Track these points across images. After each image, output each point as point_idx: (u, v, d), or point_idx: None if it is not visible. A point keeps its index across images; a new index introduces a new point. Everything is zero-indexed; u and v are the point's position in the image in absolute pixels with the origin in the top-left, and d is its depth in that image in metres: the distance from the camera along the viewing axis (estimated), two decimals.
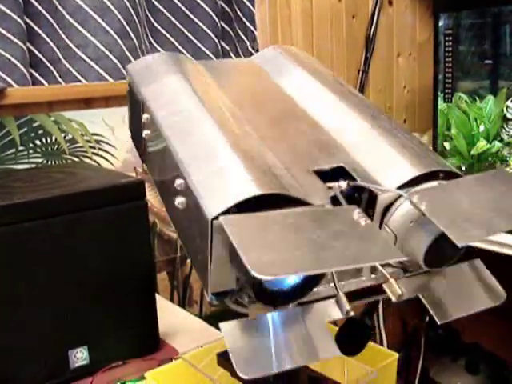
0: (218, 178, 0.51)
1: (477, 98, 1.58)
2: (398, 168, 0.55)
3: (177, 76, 0.67)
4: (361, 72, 1.87)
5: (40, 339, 0.85)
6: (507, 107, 1.51)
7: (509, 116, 1.51)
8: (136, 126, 0.69)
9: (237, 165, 0.51)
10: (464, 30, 1.63)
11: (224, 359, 0.62)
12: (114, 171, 1.17)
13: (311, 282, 0.49)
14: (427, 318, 2.15)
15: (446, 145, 1.63)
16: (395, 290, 0.50)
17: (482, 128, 1.57)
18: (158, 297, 0.98)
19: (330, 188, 0.52)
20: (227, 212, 0.46)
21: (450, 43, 1.59)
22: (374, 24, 1.89)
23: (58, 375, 0.87)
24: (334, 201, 0.51)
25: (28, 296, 0.83)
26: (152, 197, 1.40)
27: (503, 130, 1.52)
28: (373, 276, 0.54)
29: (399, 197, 0.52)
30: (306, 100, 0.66)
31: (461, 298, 0.56)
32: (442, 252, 0.52)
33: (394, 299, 0.50)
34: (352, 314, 0.50)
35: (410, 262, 0.53)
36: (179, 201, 0.53)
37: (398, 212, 0.52)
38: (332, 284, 0.51)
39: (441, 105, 1.63)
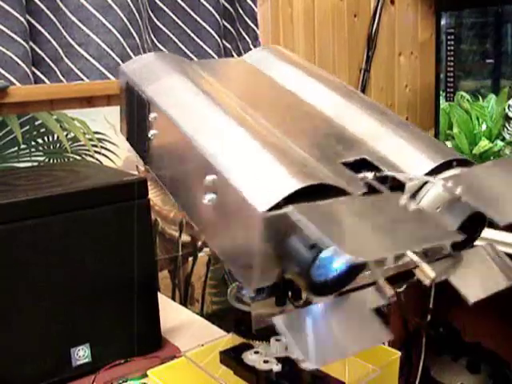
0: (258, 172, 0.50)
1: (479, 97, 1.58)
2: (418, 158, 0.56)
3: (180, 75, 0.67)
4: (362, 71, 1.87)
5: (41, 337, 0.85)
6: (509, 106, 1.51)
7: (511, 115, 1.51)
8: (136, 128, 0.68)
9: (273, 159, 0.51)
10: (466, 29, 1.63)
11: (227, 357, 0.63)
12: (116, 169, 1.17)
13: (355, 271, 0.49)
14: (428, 317, 2.16)
15: (448, 144, 1.63)
16: (429, 273, 0.50)
17: (483, 127, 1.57)
18: (159, 295, 0.98)
19: (361, 179, 0.53)
20: (276, 206, 0.45)
21: (452, 42, 1.60)
22: (375, 23, 1.89)
23: (60, 373, 0.87)
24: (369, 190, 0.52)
25: (30, 294, 0.83)
26: (154, 195, 1.40)
27: (505, 129, 1.52)
28: (400, 263, 0.55)
29: (424, 184, 0.53)
30: (310, 95, 0.66)
31: (482, 278, 0.57)
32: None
33: (427, 282, 0.51)
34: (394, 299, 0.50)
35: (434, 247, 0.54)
36: (209, 197, 0.52)
37: (426, 198, 0.53)
38: (367, 273, 0.51)
39: (443, 104, 1.63)
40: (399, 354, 0.69)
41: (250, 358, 0.61)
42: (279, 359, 0.61)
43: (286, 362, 0.60)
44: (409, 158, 0.56)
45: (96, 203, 0.87)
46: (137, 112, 0.68)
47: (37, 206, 0.83)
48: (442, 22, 1.62)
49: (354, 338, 0.48)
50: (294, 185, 0.47)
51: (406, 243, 0.43)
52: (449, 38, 1.59)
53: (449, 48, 1.60)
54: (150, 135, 0.64)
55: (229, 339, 0.69)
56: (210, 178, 0.52)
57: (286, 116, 0.63)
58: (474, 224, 0.54)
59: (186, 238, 1.50)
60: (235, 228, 0.50)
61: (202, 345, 0.70)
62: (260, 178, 0.50)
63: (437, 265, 0.55)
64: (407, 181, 0.53)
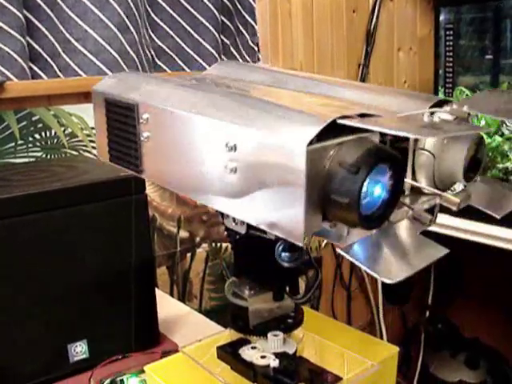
0: (284, 121, 0.50)
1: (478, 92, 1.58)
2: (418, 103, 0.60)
3: (158, 80, 0.67)
4: (361, 66, 1.87)
5: (39, 333, 0.84)
6: None
7: None
8: (122, 141, 0.67)
9: (288, 108, 0.53)
10: (465, 24, 1.62)
11: (224, 352, 0.62)
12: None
13: (395, 198, 0.50)
14: (427, 313, 2.16)
15: None
16: (453, 200, 0.55)
17: (482, 122, 1.56)
18: (157, 291, 0.98)
19: None
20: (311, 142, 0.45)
21: (451, 37, 1.59)
22: (374, 18, 1.88)
23: (58, 369, 0.87)
24: None
25: (27, 289, 0.82)
26: (152, 191, 1.39)
27: (504, 125, 1.52)
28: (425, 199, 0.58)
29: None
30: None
31: (499, 199, 0.62)
32: (474, 162, 0.57)
33: (454, 208, 0.56)
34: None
35: (446, 180, 0.57)
36: (232, 166, 0.51)
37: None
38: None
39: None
40: (397, 349, 0.68)
41: (247, 353, 0.61)
42: (276, 354, 0.60)
43: (284, 357, 0.60)
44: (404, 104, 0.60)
45: (94, 198, 0.87)
46: (122, 124, 0.66)
47: (35, 201, 0.83)
48: (441, 18, 1.62)
49: (416, 256, 0.54)
50: (325, 119, 0.47)
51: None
52: (448, 33, 1.59)
53: (448, 43, 1.60)
54: (143, 138, 0.63)
55: (226, 334, 0.69)
56: (232, 141, 0.51)
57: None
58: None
59: (184, 233, 1.49)
60: (275, 179, 0.48)
61: (200, 340, 0.69)
62: (285, 123, 0.49)
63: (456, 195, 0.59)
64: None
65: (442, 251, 0.56)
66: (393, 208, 0.50)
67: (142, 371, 0.85)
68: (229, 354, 0.62)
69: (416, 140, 0.57)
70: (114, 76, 0.73)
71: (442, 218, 1.58)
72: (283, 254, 0.59)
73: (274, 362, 0.59)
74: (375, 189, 0.48)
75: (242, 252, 0.64)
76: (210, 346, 0.68)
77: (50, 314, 0.85)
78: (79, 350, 0.88)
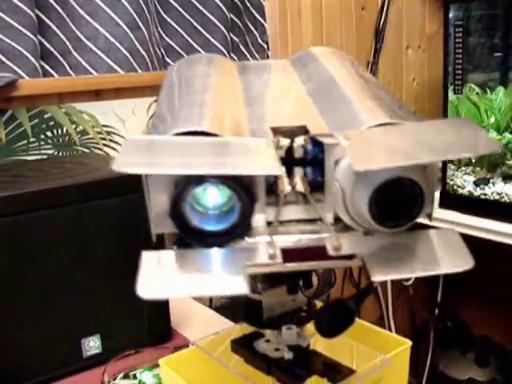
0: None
1: (487, 90, 1.58)
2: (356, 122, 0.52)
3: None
4: (370, 64, 1.87)
5: (53, 328, 0.85)
6: None
7: None
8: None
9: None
10: (474, 21, 1.62)
11: (239, 346, 0.63)
12: None
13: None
14: (436, 311, 2.16)
15: None
16: (333, 243, 0.48)
17: (492, 119, 1.56)
18: None
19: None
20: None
21: (460, 34, 1.59)
22: (383, 16, 1.88)
23: (72, 363, 0.88)
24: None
25: (41, 285, 0.83)
26: None
27: None
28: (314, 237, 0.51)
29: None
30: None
31: (419, 259, 0.51)
32: (393, 208, 0.48)
33: (331, 252, 0.48)
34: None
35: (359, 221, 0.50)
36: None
37: (343, 162, 0.48)
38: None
39: (451, 96, 1.63)
40: (410, 343, 0.69)
41: (261, 346, 0.62)
42: (290, 347, 0.61)
43: (297, 350, 0.61)
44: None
45: (105, 195, 0.88)
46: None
47: (48, 197, 0.83)
48: (450, 15, 1.61)
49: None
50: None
51: None
52: (457, 30, 1.58)
53: (457, 40, 1.59)
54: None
55: (239, 328, 0.69)
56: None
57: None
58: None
59: None
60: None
61: (213, 334, 0.70)
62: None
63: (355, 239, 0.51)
64: (325, 141, 0.50)
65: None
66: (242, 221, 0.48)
67: (155, 366, 0.86)
68: (243, 347, 0.62)
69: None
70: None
71: (452, 215, 1.58)
72: None
73: (289, 355, 0.59)
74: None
75: None
76: (222, 340, 0.69)
77: (64, 309, 0.86)
78: (92, 345, 0.89)
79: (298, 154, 0.51)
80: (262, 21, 1.63)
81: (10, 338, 0.82)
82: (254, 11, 1.62)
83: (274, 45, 1.66)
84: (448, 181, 1.63)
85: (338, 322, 0.59)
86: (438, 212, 1.63)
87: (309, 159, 0.51)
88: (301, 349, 0.61)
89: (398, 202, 0.48)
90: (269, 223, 0.50)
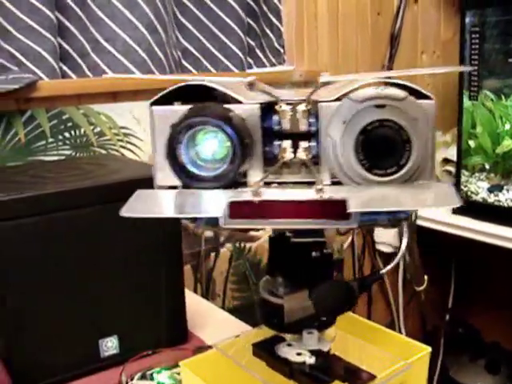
0: None
1: (502, 97, 1.58)
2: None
3: None
4: (385, 68, 1.87)
5: (71, 328, 0.86)
6: None
7: None
8: None
9: None
10: (490, 27, 1.62)
11: (260, 350, 0.63)
12: (144, 163, 1.17)
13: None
14: (447, 317, 2.15)
15: (471, 143, 1.63)
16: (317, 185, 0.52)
17: (507, 126, 1.56)
18: None
19: None
20: None
21: (477, 41, 1.59)
22: (398, 21, 1.89)
23: (89, 364, 0.88)
24: None
25: (60, 285, 0.84)
26: None
27: None
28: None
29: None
30: None
31: (406, 198, 0.53)
32: (380, 155, 0.52)
33: (315, 194, 0.52)
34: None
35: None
36: None
37: (334, 115, 0.53)
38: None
39: (466, 103, 1.62)
40: (430, 349, 0.69)
41: (282, 350, 0.62)
42: (312, 352, 0.61)
43: (319, 354, 0.61)
44: None
45: (125, 196, 0.88)
46: None
47: (68, 198, 0.84)
48: (466, 21, 1.61)
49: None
50: None
51: None
52: (473, 36, 1.58)
53: (473, 47, 1.59)
54: None
55: (258, 332, 0.70)
56: None
57: None
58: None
59: (208, 233, 1.51)
60: None
61: (233, 337, 0.70)
62: None
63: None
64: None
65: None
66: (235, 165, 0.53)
67: (172, 367, 0.86)
68: (265, 351, 0.63)
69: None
70: None
71: (465, 221, 1.58)
72: None
73: (310, 359, 0.60)
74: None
75: (277, 250, 0.65)
76: (242, 343, 0.69)
77: (83, 310, 0.86)
78: (110, 346, 0.89)
79: (302, 126, 0.55)
80: (279, 24, 1.63)
81: (29, 336, 0.82)
82: (270, 15, 1.63)
83: (290, 49, 1.67)
84: (462, 187, 1.63)
85: (338, 302, 0.60)
86: (452, 218, 1.63)
87: (313, 133, 0.55)
88: (322, 353, 0.61)
89: (385, 148, 0.52)
90: (267, 184, 0.55)
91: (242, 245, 1.57)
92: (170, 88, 0.56)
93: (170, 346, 0.92)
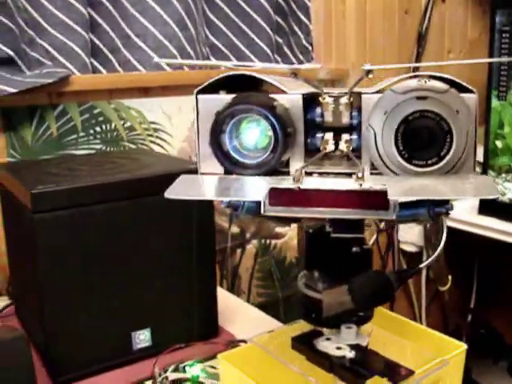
0: None
1: None
2: None
3: None
4: (412, 67, 1.86)
5: (105, 320, 0.87)
6: None
7: None
8: None
9: None
10: None
11: (299, 343, 0.64)
12: (176, 158, 1.18)
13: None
14: (469, 317, 2.14)
15: (498, 143, 1.62)
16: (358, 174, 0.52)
17: None
18: None
19: None
20: None
21: (506, 40, 1.58)
22: (426, 20, 1.88)
23: (122, 355, 0.89)
24: None
25: (96, 277, 0.85)
26: None
27: None
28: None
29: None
30: None
31: (445, 187, 0.54)
32: (420, 146, 0.53)
33: (355, 183, 0.52)
34: None
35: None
36: None
37: (376, 106, 0.54)
38: None
39: (494, 102, 1.62)
40: (465, 346, 0.69)
41: (322, 344, 0.62)
42: (351, 346, 0.61)
43: (358, 349, 0.61)
44: None
45: (158, 190, 0.89)
46: None
47: (104, 191, 0.85)
48: (496, 20, 1.60)
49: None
50: None
51: None
52: (503, 36, 1.57)
53: (503, 46, 1.58)
54: None
55: (293, 326, 0.70)
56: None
57: None
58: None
59: (235, 229, 1.51)
60: None
61: (269, 332, 0.71)
62: None
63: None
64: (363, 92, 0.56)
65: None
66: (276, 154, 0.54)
67: (204, 360, 0.87)
68: (304, 344, 0.63)
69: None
70: None
71: (491, 222, 1.57)
72: None
73: (350, 354, 0.60)
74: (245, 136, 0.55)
75: (316, 246, 0.65)
76: (278, 338, 0.70)
77: (117, 302, 0.87)
78: (142, 338, 0.90)
79: (344, 119, 0.57)
80: (307, 22, 1.63)
81: (65, 328, 0.83)
82: (299, 12, 1.63)
83: (318, 46, 1.67)
84: None
85: (376, 293, 0.60)
86: (478, 218, 1.62)
87: (354, 126, 0.56)
88: (361, 348, 0.62)
89: (425, 139, 0.53)
90: (308, 174, 0.56)
91: (268, 242, 1.58)
92: (216, 77, 0.57)
93: (202, 340, 0.93)
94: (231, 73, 0.57)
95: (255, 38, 1.54)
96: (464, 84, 0.54)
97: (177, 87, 1.38)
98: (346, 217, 0.54)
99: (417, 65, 0.59)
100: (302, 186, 0.52)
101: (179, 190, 0.55)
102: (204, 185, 0.57)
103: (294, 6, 1.62)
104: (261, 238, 1.57)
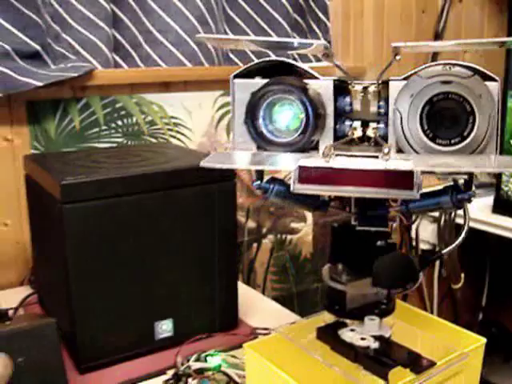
0: None
1: None
2: None
3: None
4: (430, 59, 1.87)
5: (130, 309, 0.88)
6: None
7: None
8: None
9: None
10: None
11: (324, 333, 0.65)
12: (200, 152, 1.19)
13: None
14: (480, 316, 2.15)
15: None
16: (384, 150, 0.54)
17: None
18: None
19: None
20: None
21: None
22: (443, 19, 1.89)
23: (144, 345, 0.91)
24: None
25: (122, 268, 0.86)
26: None
27: None
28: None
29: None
30: None
31: (467, 162, 0.56)
32: (444, 125, 0.56)
33: (381, 158, 0.54)
34: None
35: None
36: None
37: (402, 88, 0.57)
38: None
39: (509, 102, 1.63)
40: (485, 340, 0.70)
41: (346, 334, 0.64)
42: (374, 337, 0.63)
43: (381, 340, 0.63)
44: None
45: (185, 183, 0.91)
46: None
47: (131, 183, 0.86)
48: None
49: None
50: None
51: None
52: None
53: None
54: None
55: (317, 318, 0.72)
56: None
57: None
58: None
59: (251, 224, 1.53)
60: None
61: (293, 323, 0.73)
62: None
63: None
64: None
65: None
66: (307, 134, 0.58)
67: (224, 350, 0.89)
68: (329, 334, 0.65)
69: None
70: None
71: (505, 221, 1.58)
72: None
73: (374, 344, 0.62)
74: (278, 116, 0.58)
75: (341, 239, 0.67)
76: (302, 328, 0.71)
77: (141, 292, 0.89)
78: (165, 328, 0.92)
79: (372, 108, 0.60)
80: (326, 21, 1.65)
81: (91, 315, 0.85)
82: (317, 11, 1.64)
83: (336, 44, 1.68)
84: (502, 187, 1.64)
85: (399, 274, 0.62)
86: (492, 217, 1.63)
87: (382, 115, 0.60)
88: (384, 339, 0.63)
89: (449, 119, 0.56)
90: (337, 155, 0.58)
91: (283, 237, 1.60)
92: (252, 63, 0.61)
93: (222, 331, 0.95)
94: (267, 59, 0.60)
95: (274, 35, 1.56)
96: (487, 72, 0.56)
97: (197, 82, 1.39)
98: (373, 196, 0.55)
99: (443, 43, 0.63)
100: (331, 165, 0.54)
101: (213, 160, 0.57)
102: (237, 157, 0.60)
103: (312, 5, 1.64)
104: (276, 233, 1.59)
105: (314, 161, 0.55)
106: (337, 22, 1.67)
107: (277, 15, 1.55)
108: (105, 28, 1.28)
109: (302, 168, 0.54)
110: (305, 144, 0.58)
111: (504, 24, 2.03)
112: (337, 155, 0.57)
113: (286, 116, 0.59)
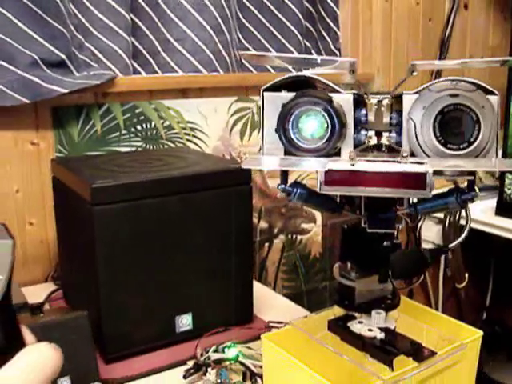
0: None
1: None
2: None
3: None
4: (434, 73, 1.93)
5: (153, 303, 0.95)
6: None
7: None
8: None
9: None
10: None
11: (335, 325, 0.72)
12: (218, 157, 1.25)
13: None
14: (484, 315, 2.20)
15: None
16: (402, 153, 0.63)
17: None
18: None
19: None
20: None
21: None
22: (449, 27, 1.95)
23: (166, 337, 0.97)
24: None
25: (147, 265, 0.93)
26: None
27: None
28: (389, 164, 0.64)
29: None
30: None
31: (477, 163, 0.64)
32: (453, 132, 0.63)
33: (399, 159, 0.62)
34: None
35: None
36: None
37: (415, 100, 0.64)
38: None
39: None
40: (482, 333, 0.76)
41: (355, 326, 0.70)
42: (381, 329, 0.69)
43: (387, 331, 0.69)
44: None
45: (207, 187, 0.97)
46: None
47: (155, 186, 0.92)
48: None
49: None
50: None
51: None
52: None
53: None
54: None
55: (328, 312, 0.78)
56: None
57: None
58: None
59: (263, 224, 1.59)
60: None
61: (305, 316, 0.79)
62: None
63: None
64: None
65: None
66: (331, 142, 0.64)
67: (241, 343, 0.95)
68: (339, 326, 0.71)
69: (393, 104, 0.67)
70: None
71: (508, 223, 1.63)
72: None
73: (381, 335, 0.68)
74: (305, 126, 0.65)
75: (351, 240, 0.73)
76: (314, 321, 0.77)
77: (164, 287, 0.95)
78: (185, 322, 0.98)
79: (385, 119, 0.67)
80: (336, 28, 1.71)
81: (118, 309, 0.92)
82: (327, 19, 1.70)
83: (345, 51, 1.74)
84: (505, 189, 1.69)
85: (411, 266, 0.70)
86: (495, 219, 1.69)
87: (394, 125, 0.66)
88: (389, 331, 0.70)
89: (458, 127, 0.63)
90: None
91: (294, 237, 1.66)
92: (281, 78, 0.67)
93: (238, 325, 1.01)
94: (294, 74, 0.67)
95: (286, 43, 1.62)
96: (488, 87, 0.64)
97: (213, 89, 1.46)
98: (393, 195, 0.64)
99: (450, 62, 0.72)
100: (358, 168, 0.62)
101: (252, 163, 0.66)
102: (269, 161, 0.68)
103: (323, 13, 1.70)
104: (287, 233, 1.65)
105: (341, 164, 0.62)
106: (346, 30, 1.73)
107: (288, 23, 1.61)
108: (124, 36, 1.34)
109: (329, 171, 0.62)
110: (329, 150, 0.65)
111: (508, 32, 2.09)
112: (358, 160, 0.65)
113: (312, 125, 0.65)
